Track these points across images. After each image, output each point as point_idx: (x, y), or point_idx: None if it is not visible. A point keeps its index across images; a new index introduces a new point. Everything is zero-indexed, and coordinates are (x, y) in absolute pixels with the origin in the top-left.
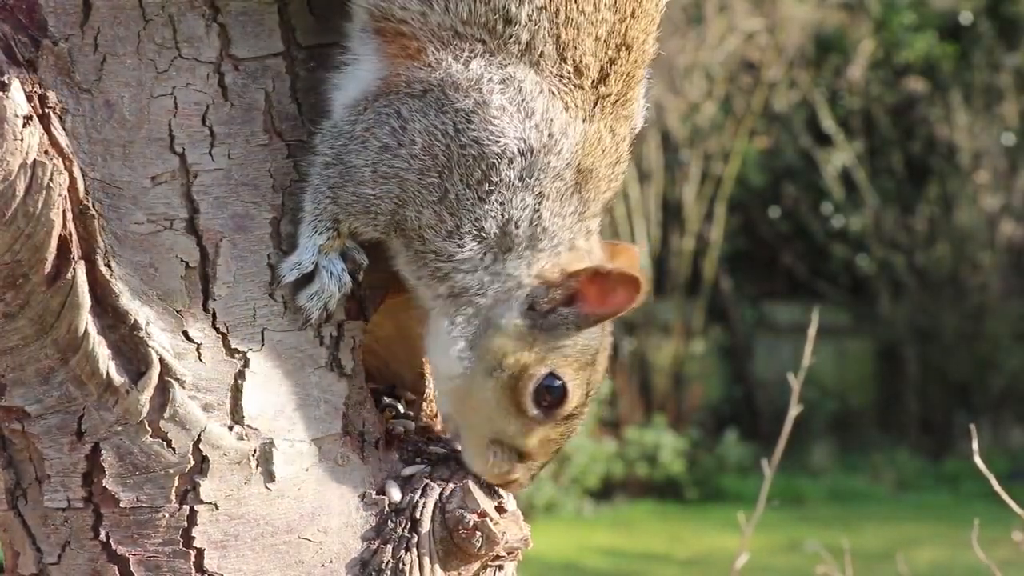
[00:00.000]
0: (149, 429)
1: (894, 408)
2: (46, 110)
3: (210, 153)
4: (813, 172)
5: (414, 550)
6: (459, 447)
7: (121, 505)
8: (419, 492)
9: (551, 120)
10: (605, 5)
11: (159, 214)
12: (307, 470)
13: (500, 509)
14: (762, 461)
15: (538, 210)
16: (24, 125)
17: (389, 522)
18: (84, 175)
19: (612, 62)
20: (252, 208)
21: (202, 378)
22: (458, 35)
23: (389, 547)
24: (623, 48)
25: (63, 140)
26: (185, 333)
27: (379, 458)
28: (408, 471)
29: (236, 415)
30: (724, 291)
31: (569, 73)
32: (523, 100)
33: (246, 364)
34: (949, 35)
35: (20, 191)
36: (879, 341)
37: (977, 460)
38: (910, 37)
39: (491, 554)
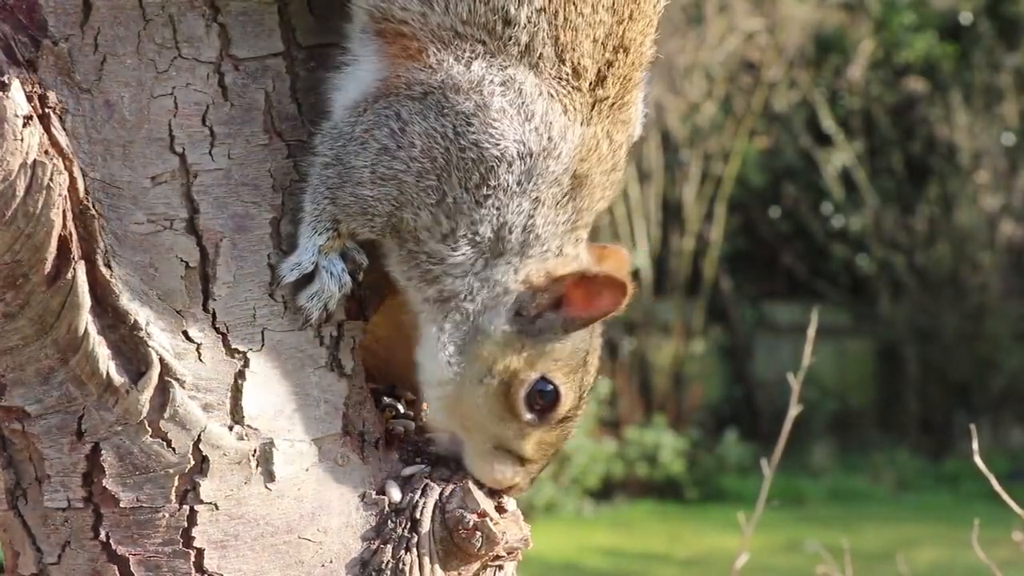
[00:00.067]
0: (149, 429)
1: (894, 408)
2: (46, 110)
3: (210, 153)
4: (813, 172)
5: (414, 550)
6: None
7: (121, 505)
8: (419, 492)
9: (550, 123)
10: (603, 7)
11: (159, 214)
12: (307, 470)
13: (500, 509)
14: (762, 461)
15: (532, 216)
16: (24, 125)
17: (389, 522)
18: (84, 175)
19: (609, 64)
20: (252, 208)
21: (202, 378)
22: (458, 35)
23: (389, 547)
24: (620, 50)
25: (63, 140)
26: (185, 333)
27: (379, 458)
28: (408, 471)
29: (236, 415)
30: (724, 291)
31: (567, 75)
32: (523, 103)
33: (246, 364)
34: (949, 35)
35: (20, 191)
36: (879, 341)
37: (977, 460)
38: (910, 37)
39: (491, 554)
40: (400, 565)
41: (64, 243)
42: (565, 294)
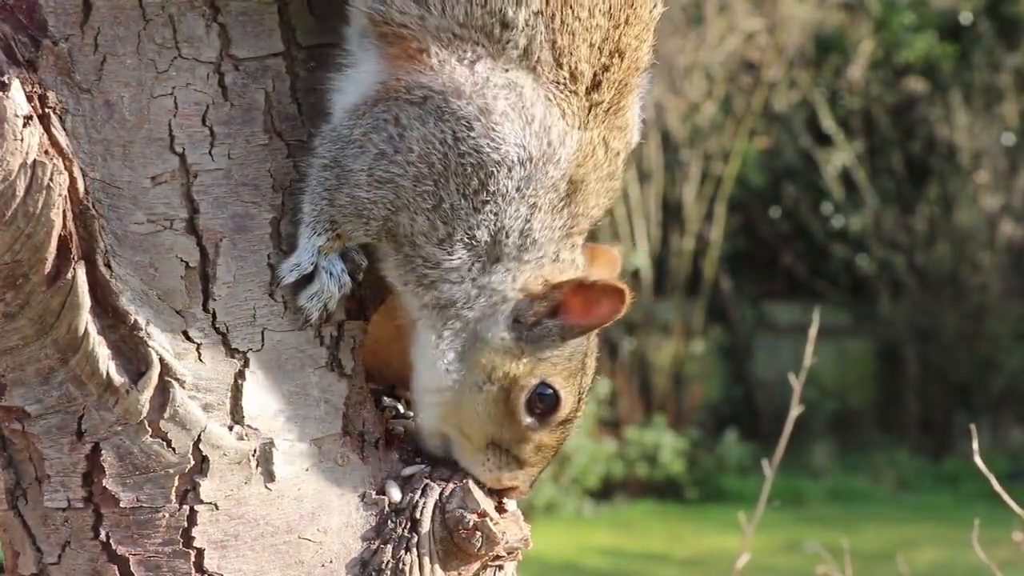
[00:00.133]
0: (149, 429)
1: (894, 408)
2: (46, 110)
3: (210, 153)
4: (813, 172)
5: (414, 550)
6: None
7: (121, 505)
8: (419, 492)
9: (549, 127)
10: (600, 11)
11: (159, 214)
12: (307, 470)
13: (500, 509)
14: (763, 461)
15: (529, 221)
16: (24, 125)
17: (389, 522)
18: (84, 175)
19: (605, 69)
20: (252, 208)
21: (202, 378)
22: (457, 37)
23: (389, 547)
24: (616, 55)
25: (63, 140)
26: (185, 333)
27: (379, 458)
28: (408, 471)
29: (236, 415)
30: (724, 291)
31: (565, 79)
32: (523, 106)
33: (246, 364)
34: (949, 35)
35: (20, 191)
36: (879, 341)
37: (977, 460)
38: (910, 37)
39: (491, 554)
40: (400, 565)
41: (64, 243)
42: (563, 302)
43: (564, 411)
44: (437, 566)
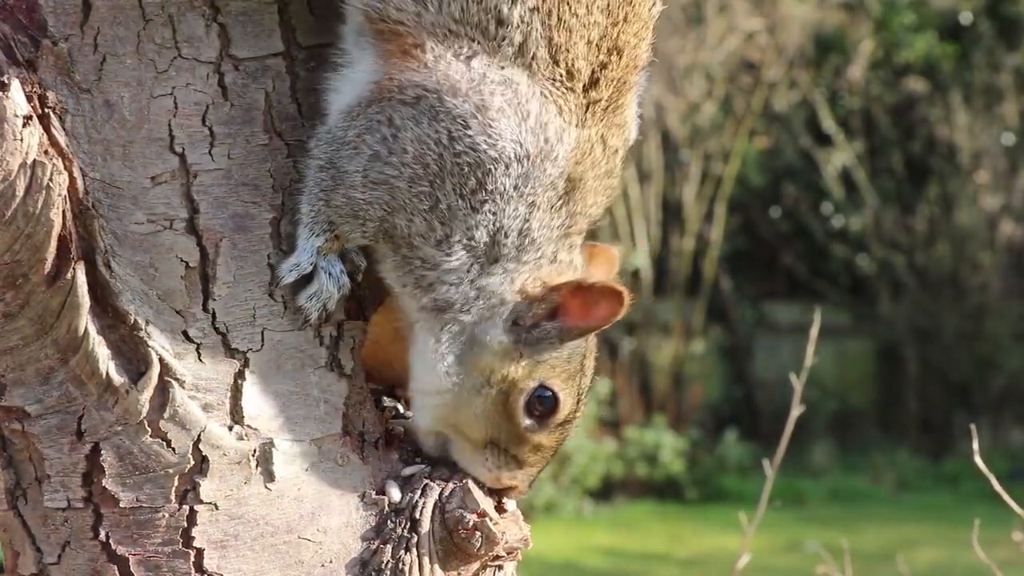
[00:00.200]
0: (149, 429)
1: (894, 408)
2: (46, 110)
3: (210, 153)
4: (813, 172)
5: (414, 550)
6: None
7: (121, 505)
8: (419, 492)
9: (546, 124)
10: (598, 8)
11: (159, 214)
12: (307, 470)
13: (500, 509)
14: (763, 461)
15: (528, 220)
16: (24, 125)
17: (389, 522)
18: (84, 175)
19: (603, 66)
20: (252, 208)
21: (202, 378)
22: (452, 34)
23: (389, 547)
24: (614, 52)
25: (63, 140)
26: (185, 333)
27: (379, 458)
28: (408, 471)
29: (236, 415)
30: (724, 291)
31: (562, 77)
32: (519, 102)
33: (246, 364)
34: (949, 35)
35: (20, 191)
36: (879, 341)
37: (977, 460)
38: (910, 37)
39: (491, 554)
40: (400, 565)
41: (64, 243)
42: (561, 304)
43: (563, 413)
44: (437, 566)
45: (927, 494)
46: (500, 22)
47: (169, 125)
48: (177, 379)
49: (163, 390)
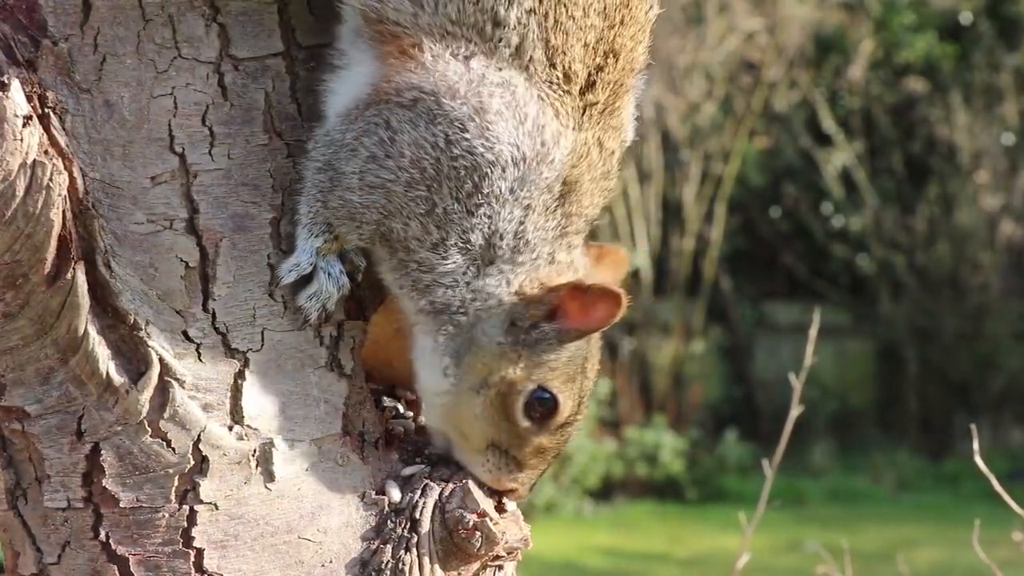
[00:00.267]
0: (149, 429)
1: (894, 408)
2: (46, 110)
3: (210, 153)
4: (813, 172)
5: (414, 550)
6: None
7: (121, 505)
8: (419, 492)
9: (542, 127)
10: (594, 11)
11: (159, 214)
12: (307, 470)
13: (500, 509)
14: (763, 461)
15: (523, 223)
16: (24, 125)
17: (389, 522)
18: (84, 175)
19: (600, 69)
20: (252, 208)
21: (202, 378)
22: (449, 35)
23: (389, 547)
24: (611, 55)
25: (63, 140)
26: (185, 333)
27: (379, 458)
28: (408, 471)
29: (236, 415)
30: (724, 291)
31: (559, 79)
32: (517, 105)
33: (246, 364)
34: (949, 35)
35: (20, 191)
36: (879, 341)
37: (977, 460)
38: (910, 37)
39: (491, 554)
40: (400, 565)
41: (64, 243)
42: (559, 305)
43: (563, 415)
44: (437, 566)
45: (927, 494)
46: (497, 23)
47: (169, 125)
48: (177, 379)
49: (163, 390)
